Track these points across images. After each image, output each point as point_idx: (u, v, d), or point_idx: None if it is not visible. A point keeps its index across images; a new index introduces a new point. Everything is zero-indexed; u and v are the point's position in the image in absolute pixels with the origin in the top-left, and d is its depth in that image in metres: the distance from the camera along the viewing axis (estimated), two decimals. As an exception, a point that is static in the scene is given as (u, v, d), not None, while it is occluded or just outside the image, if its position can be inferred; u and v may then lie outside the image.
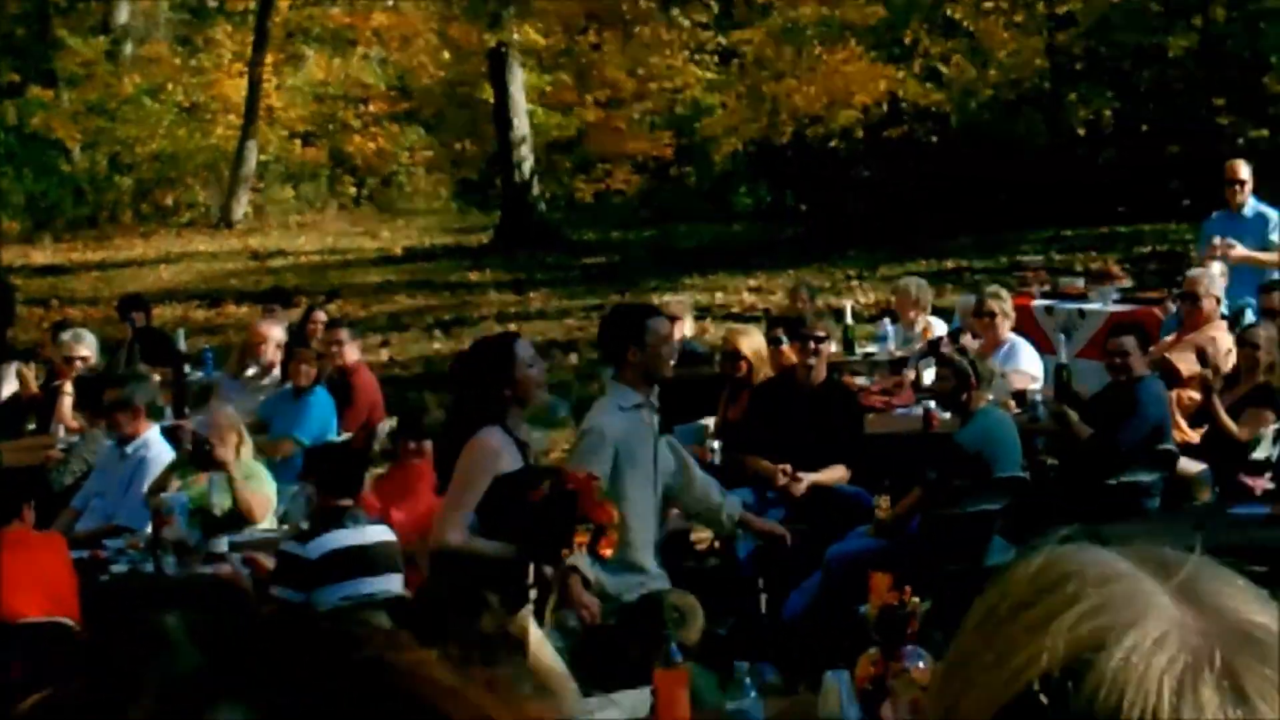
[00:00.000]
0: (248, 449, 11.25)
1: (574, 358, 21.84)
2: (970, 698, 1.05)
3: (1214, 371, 11.92)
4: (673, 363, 9.50)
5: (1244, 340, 12.16)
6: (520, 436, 8.00)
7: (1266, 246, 15.06)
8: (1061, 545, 1.12)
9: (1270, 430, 11.33)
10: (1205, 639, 1.00)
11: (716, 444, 12.18)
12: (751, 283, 26.11)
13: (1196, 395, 12.07)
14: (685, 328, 15.70)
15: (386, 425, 12.99)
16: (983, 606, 1.10)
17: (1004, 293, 14.49)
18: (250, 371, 14.88)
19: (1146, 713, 0.96)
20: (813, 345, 11.32)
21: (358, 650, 0.81)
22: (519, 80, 33.31)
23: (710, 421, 12.69)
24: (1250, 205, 15.51)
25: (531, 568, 7.47)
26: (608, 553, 7.18)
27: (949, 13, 34.07)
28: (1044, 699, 0.98)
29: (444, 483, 9.02)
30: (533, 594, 7.41)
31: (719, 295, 25.14)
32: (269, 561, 9.02)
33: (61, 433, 13.88)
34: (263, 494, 10.95)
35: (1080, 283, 17.80)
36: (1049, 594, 1.05)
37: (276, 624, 0.87)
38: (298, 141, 41.15)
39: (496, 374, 7.96)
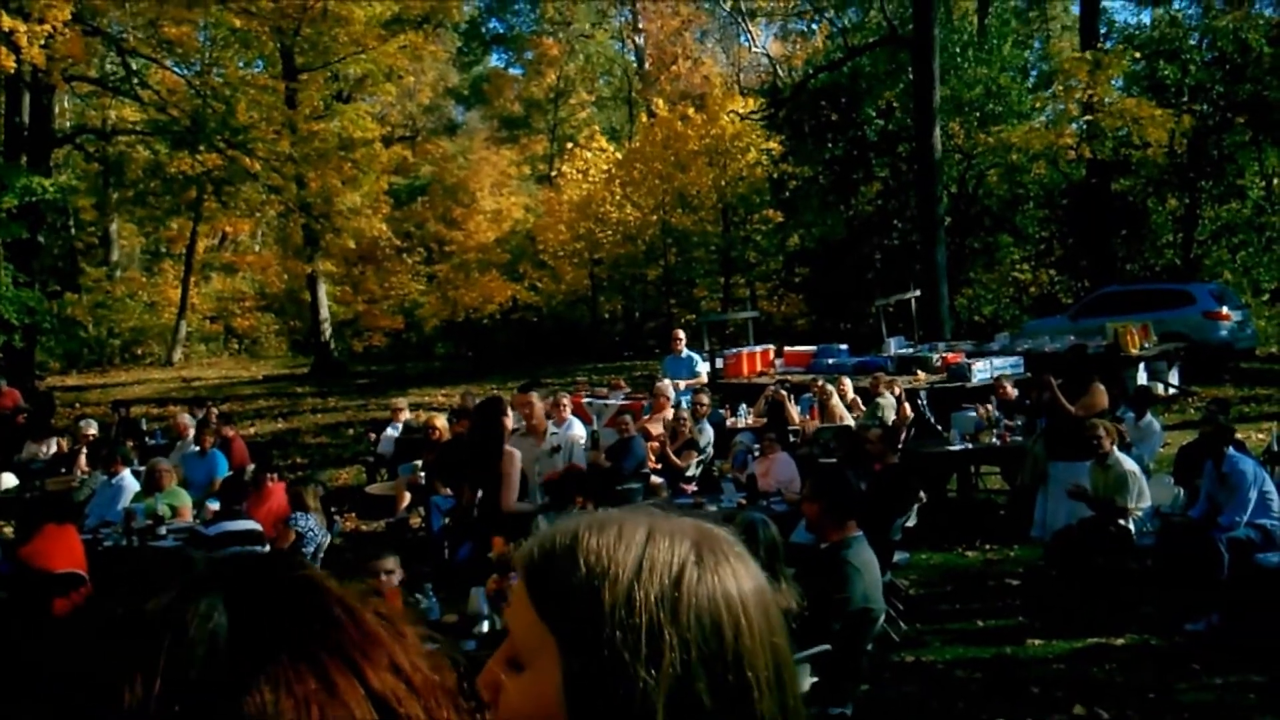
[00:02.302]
0: (174, 482, 12.74)
1: (351, 431, 23.93)
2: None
3: (671, 432, 14.23)
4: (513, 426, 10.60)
5: (678, 418, 14.35)
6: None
7: (694, 374, 17.84)
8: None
9: (694, 461, 13.73)
10: (692, 532, 1.23)
11: (423, 473, 13.32)
12: (443, 392, 28.81)
13: (657, 445, 14.10)
14: (405, 414, 17.82)
15: (250, 468, 13.41)
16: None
17: (567, 396, 14.91)
18: (179, 444, 16.19)
19: (663, 566, 1.18)
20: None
21: (293, 570, 0.90)
22: (323, 289, 36.84)
23: (419, 462, 13.82)
24: (685, 352, 18.20)
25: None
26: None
27: (541, 257, 40.96)
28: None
29: (477, 470, 9.76)
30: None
31: (426, 398, 27.67)
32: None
33: (79, 473, 15.45)
34: (184, 504, 12.47)
35: (605, 389, 19.39)
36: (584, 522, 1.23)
37: (247, 559, 0.93)
38: (208, 321, 45.64)
39: (495, 417, 9.40)
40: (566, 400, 15.02)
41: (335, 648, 0.88)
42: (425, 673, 0.92)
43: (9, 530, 13.83)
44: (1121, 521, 10.07)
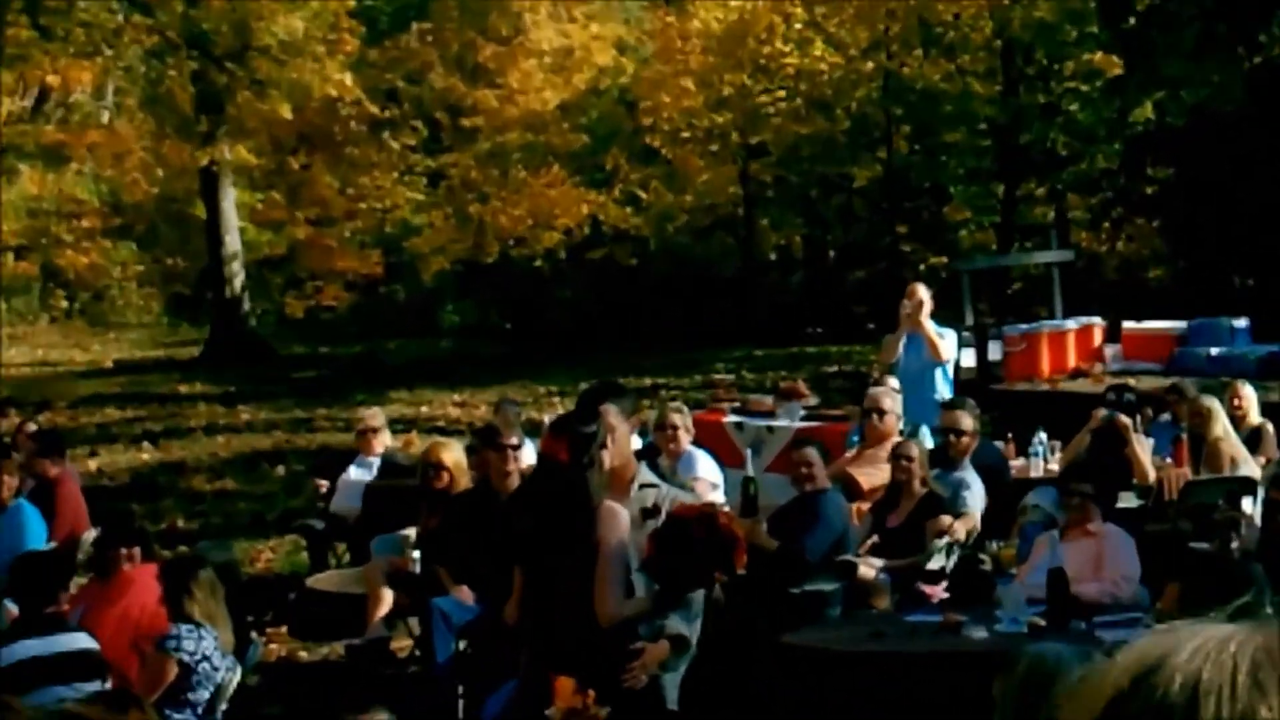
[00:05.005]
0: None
1: (281, 469, 25.70)
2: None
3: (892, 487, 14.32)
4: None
5: (896, 454, 14.19)
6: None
7: (941, 365, 18.31)
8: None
9: (943, 541, 13.55)
10: (1265, 639, 1.48)
11: (416, 554, 14.13)
12: (456, 397, 31.26)
13: (866, 509, 14.43)
14: (382, 440, 18.13)
15: (91, 534, 14.30)
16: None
17: (684, 407, 16.39)
18: (-49, 484, 15.28)
19: (1224, 688, 1.44)
20: (509, 454, 13.36)
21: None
22: (230, 198, 39.73)
23: (411, 532, 14.56)
24: (933, 328, 18.19)
25: None
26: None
27: (648, 140, 41.40)
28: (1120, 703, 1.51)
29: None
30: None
31: (424, 409, 30.07)
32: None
33: None
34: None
35: (769, 399, 21.10)
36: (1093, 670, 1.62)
37: None
38: (10, 255, 46.54)
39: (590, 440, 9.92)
40: (685, 418, 15.49)
41: None
42: None
43: None
44: None
